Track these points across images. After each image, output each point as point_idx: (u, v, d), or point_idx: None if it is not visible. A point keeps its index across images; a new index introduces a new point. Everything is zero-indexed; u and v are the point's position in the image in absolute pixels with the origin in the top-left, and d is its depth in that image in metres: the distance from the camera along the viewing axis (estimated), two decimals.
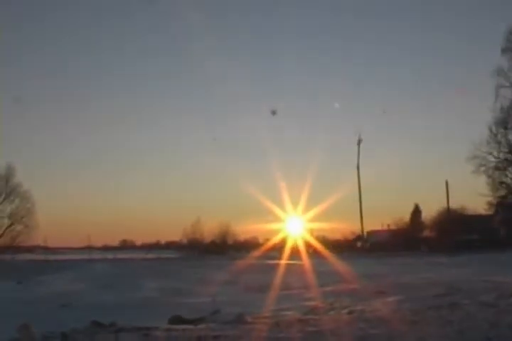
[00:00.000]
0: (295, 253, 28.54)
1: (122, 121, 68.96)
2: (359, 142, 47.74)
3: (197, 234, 55.40)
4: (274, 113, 30.54)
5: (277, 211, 36.56)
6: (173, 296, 13.05)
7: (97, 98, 67.03)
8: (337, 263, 21.29)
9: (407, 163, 66.72)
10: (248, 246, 56.96)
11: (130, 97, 71.71)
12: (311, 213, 37.99)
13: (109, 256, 43.89)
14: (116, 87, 70.42)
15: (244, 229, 57.79)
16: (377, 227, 54.59)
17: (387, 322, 7.01)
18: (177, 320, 8.26)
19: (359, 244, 51.40)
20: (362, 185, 47.87)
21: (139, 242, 77.22)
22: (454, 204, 46.58)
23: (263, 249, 35.35)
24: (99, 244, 73.82)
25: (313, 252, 28.71)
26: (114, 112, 72.49)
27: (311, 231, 47.93)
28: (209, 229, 55.79)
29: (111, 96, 71.24)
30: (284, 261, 23.80)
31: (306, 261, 23.23)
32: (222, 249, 52.94)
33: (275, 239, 38.35)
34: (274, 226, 44.26)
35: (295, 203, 35.80)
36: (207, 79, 59.18)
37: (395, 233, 50.17)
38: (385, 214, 69.11)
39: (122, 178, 76.08)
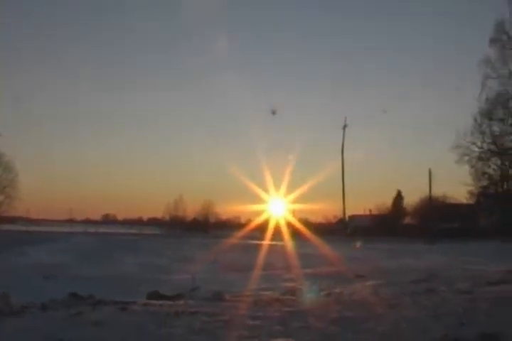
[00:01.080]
0: (277, 234, 28.76)
1: (109, 93, 68.48)
2: (344, 126, 47.86)
3: (179, 211, 55.53)
4: (273, 113, 31.48)
5: (260, 192, 36.61)
6: (153, 272, 13.08)
7: (81, 67, 66.54)
8: (319, 246, 21.54)
9: (392, 149, 67.14)
10: (230, 225, 57.32)
11: (117, 67, 71.21)
12: (294, 195, 38.15)
13: (91, 230, 43.78)
14: (104, 53, 69.71)
15: (227, 208, 58.31)
16: (360, 212, 55.22)
17: (364, 306, 7.11)
18: (155, 295, 8.30)
19: (340, 227, 51.93)
20: (346, 169, 48.04)
21: (121, 217, 77.33)
22: (437, 192, 47.13)
23: (245, 229, 35.56)
24: (81, 217, 74.00)
25: (294, 233, 28.90)
26: (100, 83, 71.83)
27: (294, 213, 48.49)
28: (192, 207, 56.01)
29: (95, 66, 70.57)
30: (266, 242, 23.98)
31: (288, 242, 23.45)
32: (204, 227, 53.16)
33: (258, 220, 38.58)
34: (256, 207, 44.43)
35: (278, 185, 36.02)
36: (197, 50, 59.01)
37: (377, 218, 50.75)
38: (368, 199, 69.62)
39: (107, 153, 75.90)
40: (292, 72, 68.02)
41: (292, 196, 38.32)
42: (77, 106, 74.47)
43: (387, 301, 7.54)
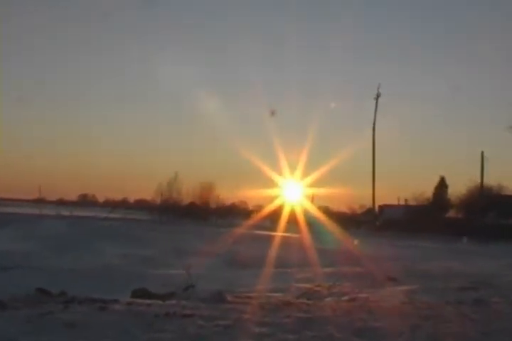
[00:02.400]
0: (292, 224, 28.83)
1: (95, 59, 68.41)
2: (377, 96, 47.50)
3: (173, 193, 55.59)
4: (273, 113, 32.43)
5: (271, 174, 36.73)
6: (140, 265, 13.19)
7: (63, 33, 66.62)
8: (342, 241, 21.58)
9: (434, 127, 66.91)
10: (235, 212, 57.52)
11: (104, 42, 71.01)
12: (312, 178, 38.33)
13: (65, 212, 44.15)
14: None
15: (231, 192, 58.51)
16: (392, 202, 55.09)
17: (395, 315, 7.10)
18: (142, 293, 8.35)
19: (368, 219, 51.97)
20: (377, 149, 48.13)
21: (101, 198, 77.88)
22: (489, 181, 46.87)
23: (253, 217, 35.79)
24: (53, 197, 74.35)
25: (312, 224, 28.98)
26: (83, 47, 71.96)
27: (312, 200, 48.53)
28: (188, 189, 55.95)
29: (81, 33, 70.68)
30: (278, 233, 24.04)
31: (304, 234, 23.48)
32: (204, 213, 53.32)
33: (268, 207, 38.67)
34: (267, 191, 44.58)
35: (293, 166, 36.03)
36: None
37: (414, 210, 50.51)
38: (403, 186, 69.63)
39: (86, 122, 76.03)
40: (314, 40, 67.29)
41: (310, 179, 38.51)
42: (56, 77, 74.80)
43: (424, 311, 7.51)
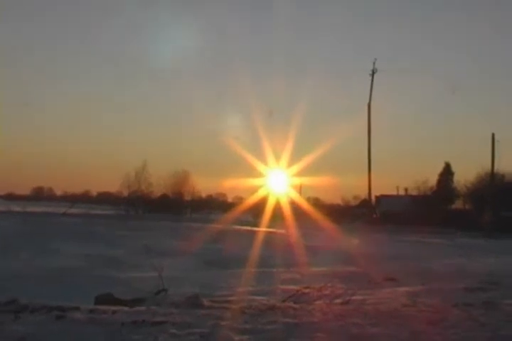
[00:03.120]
0: (277, 218, 28.87)
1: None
2: (373, 72, 47.60)
3: (142, 184, 55.45)
4: (271, 113, 32.63)
5: (254, 162, 36.71)
6: (104, 268, 13.11)
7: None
8: (334, 236, 21.66)
9: (438, 106, 67.29)
10: (212, 205, 57.67)
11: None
12: (299, 167, 38.37)
13: (16, 208, 43.80)
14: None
15: (208, 183, 58.09)
16: (391, 192, 55.70)
17: (396, 320, 7.13)
18: (107, 299, 8.32)
19: (364, 211, 52.24)
20: (373, 132, 48.24)
21: (59, 192, 77.56)
22: (501, 168, 47.10)
23: (233, 210, 35.70)
24: (2, 191, 73.69)
25: (300, 217, 29.06)
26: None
27: (300, 190, 48.68)
28: (159, 180, 55.85)
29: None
30: (261, 229, 24.05)
31: (291, 230, 23.55)
32: (177, 206, 53.29)
33: (250, 199, 38.68)
34: (248, 182, 44.63)
35: (278, 153, 36.01)
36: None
37: (415, 201, 50.89)
38: (403, 174, 70.29)
39: (40, 106, 75.13)
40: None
41: (297, 167, 38.56)
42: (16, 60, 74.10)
43: (428, 315, 7.56)
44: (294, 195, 42.06)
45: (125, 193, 55.59)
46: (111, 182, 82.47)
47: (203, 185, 57.42)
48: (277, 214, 30.52)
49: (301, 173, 39.93)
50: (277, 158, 35.31)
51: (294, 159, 36.40)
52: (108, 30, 73.96)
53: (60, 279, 11.06)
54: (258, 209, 35.62)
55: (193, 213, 50.52)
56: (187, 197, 56.54)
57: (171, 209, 51.22)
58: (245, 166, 35.79)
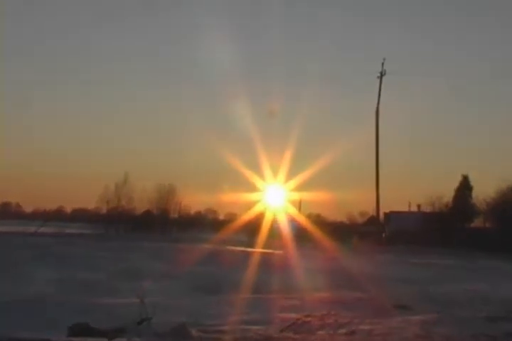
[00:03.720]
0: (274, 238, 28.88)
1: None
2: (381, 75, 47.62)
3: (123, 199, 55.36)
4: (272, 113, 32.82)
5: (248, 175, 36.73)
6: (80, 294, 13.06)
7: None
8: (338, 258, 21.61)
9: (454, 112, 67.26)
10: (202, 223, 57.53)
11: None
12: (299, 180, 38.29)
13: None
14: None
15: (197, 198, 58.08)
16: (402, 208, 55.56)
17: None
18: (83, 329, 8.27)
19: (372, 230, 52.22)
20: (381, 142, 48.25)
21: (28, 208, 77.06)
22: None
23: (225, 229, 35.61)
24: None
25: (300, 237, 29.04)
26: None
27: (299, 207, 48.61)
28: (142, 194, 55.74)
29: None
30: (256, 249, 24.03)
31: (290, 250, 23.52)
32: (162, 224, 53.21)
33: (244, 216, 38.60)
34: (242, 197, 44.59)
35: (276, 165, 35.99)
36: None
37: (429, 218, 50.74)
38: (415, 189, 69.87)
39: (6, 112, 75.06)
40: None
41: (297, 181, 38.47)
42: None
43: None
44: (293, 212, 41.93)
45: (103, 210, 55.58)
46: (87, 197, 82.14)
47: (192, 201, 57.37)
48: (274, 233, 30.58)
49: (300, 188, 39.95)
50: (275, 171, 35.47)
51: (293, 172, 36.53)
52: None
53: (30, 307, 11.01)
54: (253, 227, 35.61)
55: (180, 232, 50.37)
56: (173, 214, 56.39)
57: (156, 227, 51.23)
58: (239, 180, 35.98)
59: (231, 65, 44.09)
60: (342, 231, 46.41)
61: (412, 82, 53.52)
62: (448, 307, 11.90)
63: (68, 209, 73.54)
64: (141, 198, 55.11)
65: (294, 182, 37.85)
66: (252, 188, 37.17)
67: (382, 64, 47.79)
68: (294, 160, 35.61)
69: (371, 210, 53.83)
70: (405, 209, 55.45)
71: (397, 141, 61.40)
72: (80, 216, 65.25)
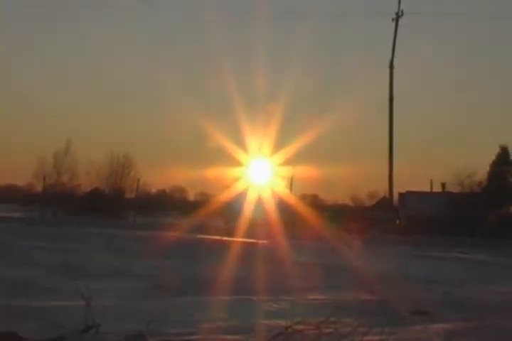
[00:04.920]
0: (258, 224, 28.92)
1: None
2: (397, 16, 47.32)
3: (64, 175, 55.29)
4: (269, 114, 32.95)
5: (225, 145, 36.60)
6: (8, 294, 13.04)
7: None
8: (340, 250, 21.67)
9: (487, 66, 67.08)
10: (166, 204, 57.53)
11: None
12: (290, 152, 38.25)
13: None
14: None
15: (160, 174, 58.02)
16: (422, 188, 55.76)
17: None
18: (9, 339, 8.24)
19: (383, 215, 52.42)
20: (396, 103, 48.24)
21: None
22: None
23: (196, 212, 35.61)
24: None
25: (291, 222, 29.13)
26: None
27: (290, 185, 48.61)
28: (89, 168, 55.72)
29: None
30: (236, 238, 24.04)
31: (278, 240, 23.56)
32: (115, 206, 53.23)
33: (220, 196, 38.64)
34: (217, 172, 44.55)
35: (261, 132, 35.84)
36: None
37: (456, 201, 50.93)
38: (439, 164, 69.91)
39: None
40: None
41: (287, 153, 38.41)
42: None
43: None
44: (283, 192, 41.97)
45: (39, 187, 55.38)
46: (19, 171, 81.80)
47: (153, 177, 57.39)
48: (259, 218, 30.61)
49: (292, 161, 39.99)
50: (260, 139, 35.24)
51: (283, 142, 36.57)
52: None
53: None
54: (232, 210, 35.69)
55: (138, 216, 50.41)
56: (129, 194, 56.44)
57: (106, 210, 51.16)
58: (213, 152, 35.73)
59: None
60: (345, 216, 46.44)
61: (436, 25, 53.42)
62: (478, 313, 11.95)
63: None
64: (88, 173, 55.15)
65: (283, 155, 37.90)
66: (230, 162, 37.24)
67: (399, 2, 47.70)
68: (285, 127, 35.97)
69: (382, 190, 54.25)
70: (426, 188, 55.72)
71: (415, 103, 61.63)
72: (9, 195, 65.16)
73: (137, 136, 71.97)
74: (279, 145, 35.33)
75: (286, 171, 43.95)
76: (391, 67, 47.32)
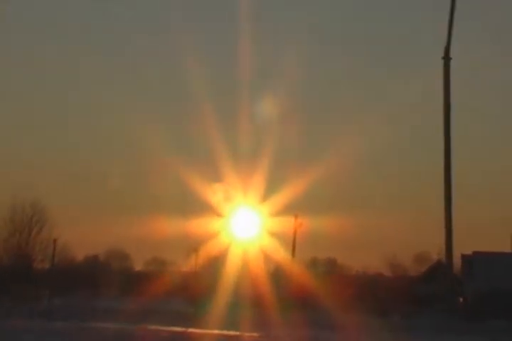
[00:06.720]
0: (243, 306, 28.57)
1: None
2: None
3: None
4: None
5: (196, 190, 36.39)
6: None
7: None
8: None
9: None
10: (96, 277, 57.32)
11: None
12: (289, 196, 38.10)
13: None
14: None
15: (88, 230, 57.96)
16: (497, 248, 55.61)
17: None
18: None
19: (438, 289, 52.06)
20: (455, 109, 47.96)
21: None
22: None
23: (146, 288, 35.37)
24: None
25: (295, 303, 28.68)
26: None
27: (294, 247, 48.28)
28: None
29: None
30: (206, 330, 23.55)
31: (276, 331, 23.01)
32: (18, 283, 53.06)
33: (183, 264, 38.53)
34: (178, 227, 44.37)
35: (248, 167, 35.60)
36: None
37: None
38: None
39: None
40: None
41: (285, 197, 38.29)
42: None
43: None
44: (282, 256, 41.90)
45: None
46: None
47: (79, 236, 57.27)
48: (244, 296, 30.36)
49: (294, 208, 39.61)
50: (245, 179, 35.03)
51: (277, 182, 35.92)
52: None
53: None
54: (203, 285, 35.50)
55: (56, 297, 50.12)
56: (41, 262, 56.33)
57: (6, 289, 50.94)
58: (176, 200, 35.52)
59: None
60: (380, 292, 46.29)
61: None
62: None
63: None
64: None
65: (279, 201, 37.51)
66: (202, 211, 36.85)
67: None
68: (277, 162, 35.24)
69: (435, 251, 53.78)
70: (504, 248, 55.51)
71: (478, 115, 61.64)
72: None
73: (53, 177, 71.83)
74: (270, 188, 35.04)
75: (285, 224, 43.89)
76: (446, 58, 47.48)
